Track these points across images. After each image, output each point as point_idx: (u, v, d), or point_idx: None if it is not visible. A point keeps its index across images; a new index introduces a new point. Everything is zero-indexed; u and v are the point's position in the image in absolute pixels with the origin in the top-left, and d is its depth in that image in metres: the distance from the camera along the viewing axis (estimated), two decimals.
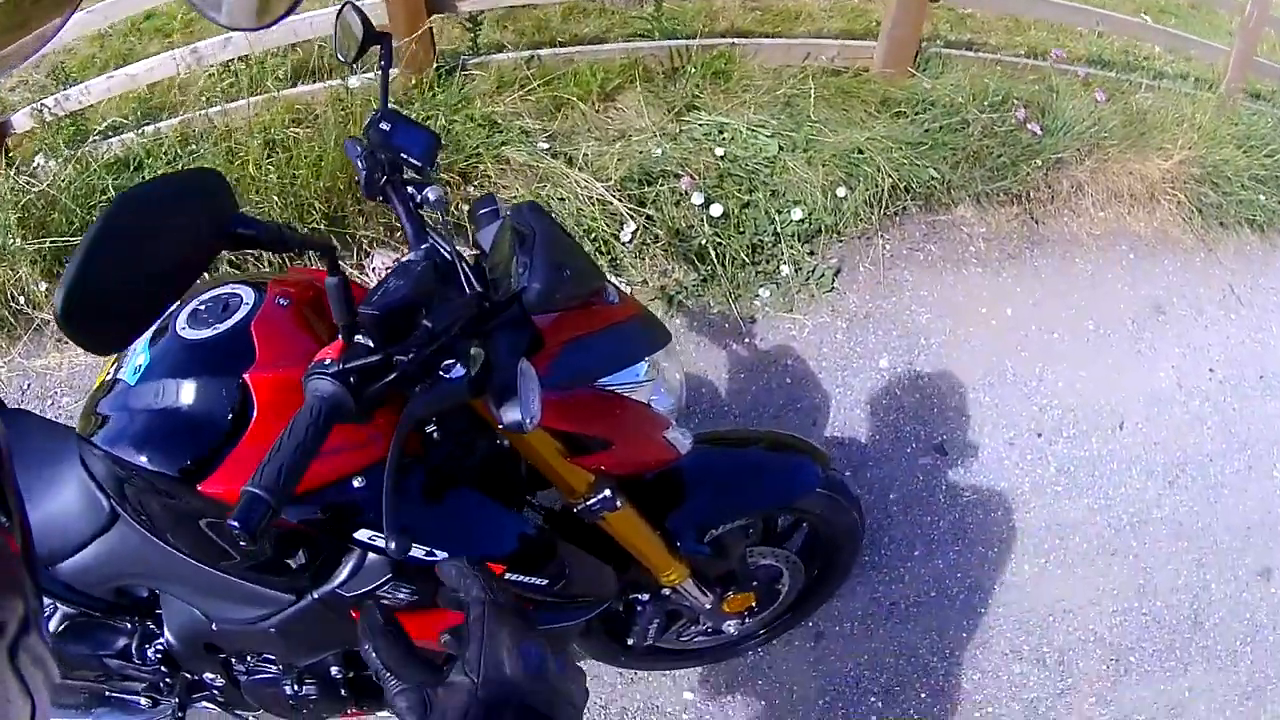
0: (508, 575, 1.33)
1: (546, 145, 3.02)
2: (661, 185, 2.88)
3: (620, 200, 2.82)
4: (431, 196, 1.27)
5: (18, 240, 3.13)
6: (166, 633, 1.47)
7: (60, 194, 3.17)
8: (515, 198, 2.81)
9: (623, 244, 2.75)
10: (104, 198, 3.18)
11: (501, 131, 3.04)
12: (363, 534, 1.20)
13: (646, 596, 1.76)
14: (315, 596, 1.28)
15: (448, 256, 1.20)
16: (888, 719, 2.11)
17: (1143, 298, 3.03)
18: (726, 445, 1.74)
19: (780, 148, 3.12)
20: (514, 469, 1.40)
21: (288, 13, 0.86)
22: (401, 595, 1.27)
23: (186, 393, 1.14)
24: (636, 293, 2.80)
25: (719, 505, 1.64)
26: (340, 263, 1.04)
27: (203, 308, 1.23)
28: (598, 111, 3.22)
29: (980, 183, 3.22)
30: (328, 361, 0.95)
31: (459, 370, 1.01)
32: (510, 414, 1.04)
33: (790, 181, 3.03)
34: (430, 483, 1.25)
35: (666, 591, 1.68)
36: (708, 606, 1.76)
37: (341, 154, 2.83)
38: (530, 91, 3.16)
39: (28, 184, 3.25)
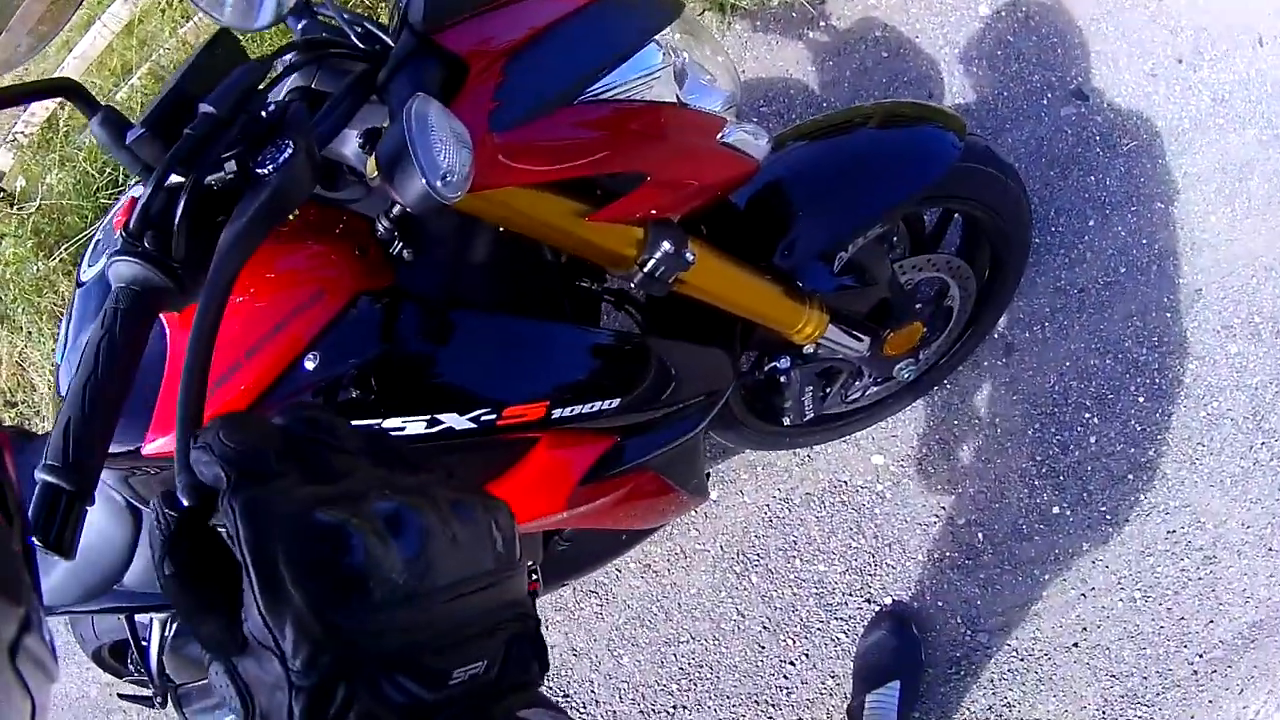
0: (555, 413, 0.95)
1: None
2: None
3: None
4: None
5: (40, 264, 3.07)
6: None
7: (62, 199, 3.08)
8: None
9: None
10: (105, 180, 3.05)
11: None
12: None
13: (786, 363, 1.36)
14: None
15: (334, 23, 0.88)
16: None
17: None
18: (828, 135, 1.27)
19: None
20: (540, 261, 1.01)
21: (288, 12, 0.86)
22: None
23: None
24: None
25: (838, 216, 1.19)
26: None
27: (100, 235, 1.00)
28: None
29: None
30: (116, 234, 0.62)
31: (285, 151, 0.62)
32: (409, 185, 0.65)
33: None
34: (424, 319, 0.89)
35: (809, 349, 1.29)
36: (866, 353, 1.35)
37: None
38: None
39: (30, 210, 3.19)
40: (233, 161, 0.62)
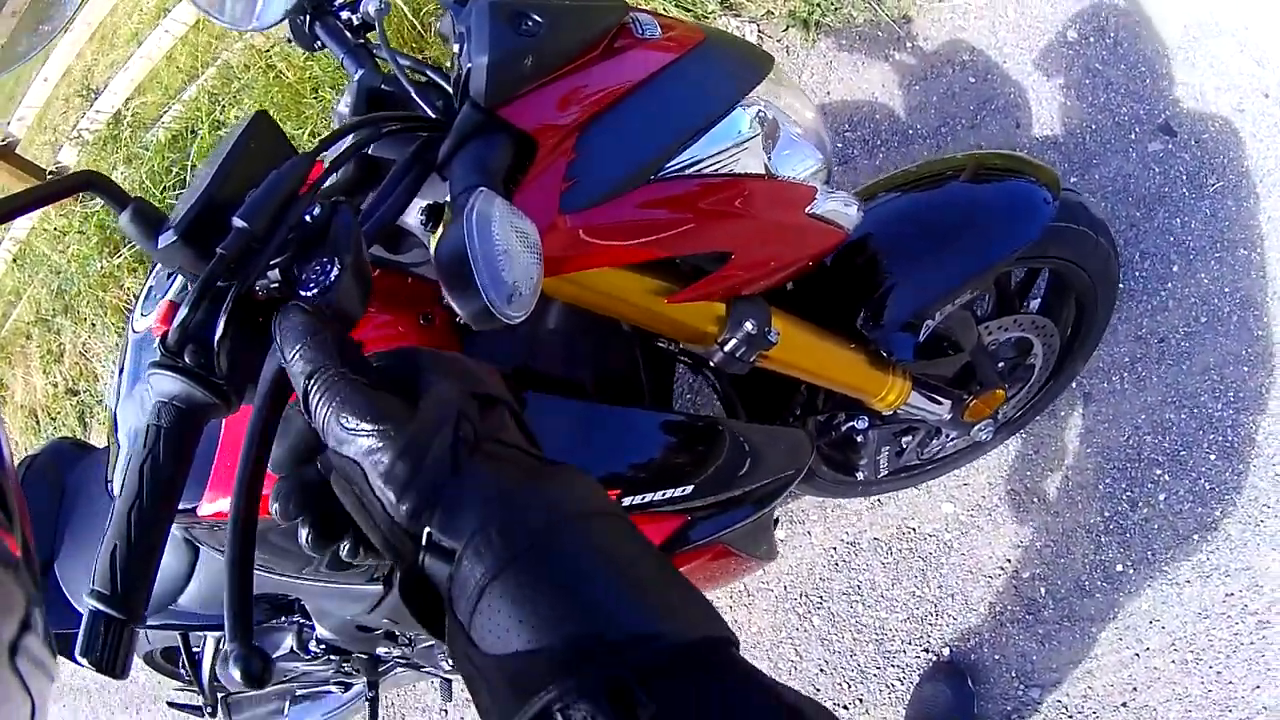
0: (625, 500, 0.90)
1: None
2: None
3: None
4: (372, 9, 0.91)
5: (103, 262, 3.11)
6: (318, 627, 1.25)
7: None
8: None
9: None
10: (172, 180, 3.06)
11: None
12: None
13: (864, 423, 1.30)
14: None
15: (396, 74, 0.82)
16: None
17: None
18: (914, 189, 1.19)
19: None
20: (615, 327, 0.96)
21: (287, 14, 0.88)
22: None
23: None
24: (764, 23, 2.26)
25: (925, 282, 1.12)
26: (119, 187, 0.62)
27: (154, 283, 0.97)
28: None
29: None
30: (155, 343, 0.56)
31: (330, 272, 0.55)
32: (470, 301, 0.59)
33: None
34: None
35: (890, 412, 1.23)
36: (946, 417, 1.29)
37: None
38: None
39: (94, 207, 3.23)
40: (277, 270, 0.56)
